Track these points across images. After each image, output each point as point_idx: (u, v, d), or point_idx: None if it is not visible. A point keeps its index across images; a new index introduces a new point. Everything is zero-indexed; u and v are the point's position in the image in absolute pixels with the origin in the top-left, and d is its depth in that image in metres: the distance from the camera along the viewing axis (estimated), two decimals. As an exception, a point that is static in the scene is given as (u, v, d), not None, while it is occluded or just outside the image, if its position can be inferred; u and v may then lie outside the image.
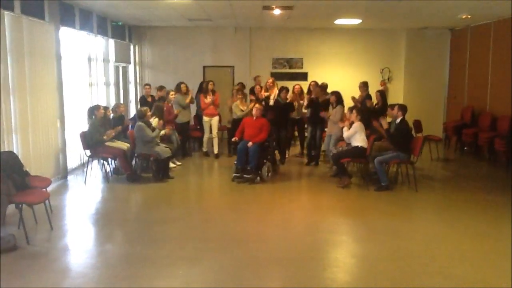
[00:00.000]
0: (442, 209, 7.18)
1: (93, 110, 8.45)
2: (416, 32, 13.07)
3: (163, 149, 8.34)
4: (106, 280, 4.55)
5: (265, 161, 8.47)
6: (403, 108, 8.01)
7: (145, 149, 8.27)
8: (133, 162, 8.81)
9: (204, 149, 10.61)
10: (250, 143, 8.30)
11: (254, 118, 8.66)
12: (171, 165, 9.21)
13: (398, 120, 7.96)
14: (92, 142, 8.21)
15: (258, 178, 8.27)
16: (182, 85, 10.41)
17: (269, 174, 8.49)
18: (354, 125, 8.06)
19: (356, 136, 8.01)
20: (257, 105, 8.85)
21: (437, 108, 13.40)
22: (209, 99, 10.35)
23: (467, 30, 12.09)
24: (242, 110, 9.86)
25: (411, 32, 13.14)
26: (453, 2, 8.36)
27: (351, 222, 6.48)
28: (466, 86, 12.18)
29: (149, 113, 8.49)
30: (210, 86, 10.41)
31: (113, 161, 8.78)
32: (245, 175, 8.22)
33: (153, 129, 8.39)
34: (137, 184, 8.26)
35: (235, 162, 8.45)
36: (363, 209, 7.23)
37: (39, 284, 4.44)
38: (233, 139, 8.73)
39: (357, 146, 7.96)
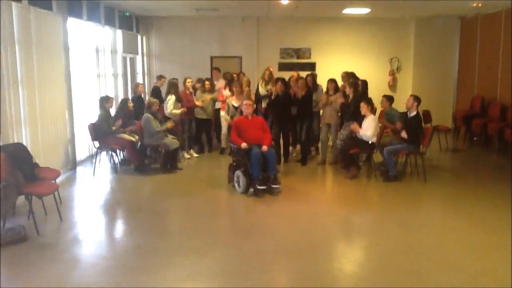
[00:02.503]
0: (452, 200, 7.12)
1: (103, 102, 8.49)
2: (425, 21, 12.92)
3: (171, 141, 8.35)
4: (115, 270, 4.59)
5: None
6: (418, 99, 7.86)
7: (152, 140, 8.30)
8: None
9: (222, 145, 10.06)
10: (265, 147, 7.10)
11: (249, 117, 7.52)
12: (186, 156, 9.37)
13: (412, 114, 7.86)
14: (100, 133, 8.25)
15: (279, 186, 7.15)
16: (206, 82, 9.92)
17: None
18: (368, 119, 7.90)
19: (372, 129, 7.87)
20: (246, 101, 7.65)
21: (447, 98, 13.26)
22: (226, 92, 9.76)
23: (477, 18, 11.92)
24: (234, 107, 9.01)
25: (420, 21, 12.99)
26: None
27: (359, 213, 6.45)
28: (476, 75, 12.04)
29: (156, 106, 8.47)
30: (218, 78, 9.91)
31: (121, 152, 8.85)
32: (273, 185, 7.02)
33: (161, 121, 8.40)
34: (146, 175, 8.30)
35: (245, 172, 7.02)
36: (371, 200, 7.21)
37: (49, 274, 4.48)
38: (242, 146, 7.07)
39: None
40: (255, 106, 8.51)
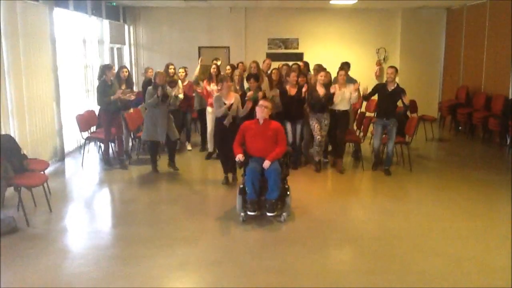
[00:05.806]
0: (437, 188, 7.26)
1: (104, 70, 7.81)
2: (412, 11, 13.01)
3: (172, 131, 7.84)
4: (105, 260, 4.64)
5: (286, 186, 5.83)
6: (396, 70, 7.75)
7: (148, 134, 7.84)
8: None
9: (209, 149, 8.80)
10: (266, 163, 5.61)
11: (261, 121, 5.96)
12: (188, 148, 9.46)
13: (394, 87, 7.60)
14: (100, 103, 7.92)
15: (285, 214, 5.66)
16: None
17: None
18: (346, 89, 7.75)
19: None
20: (263, 102, 5.99)
21: (433, 88, 13.44)
22: (212, 86, 8.59)
23: (463, 9, 12.05)
24: (225, 104, 6.90)
25: (407, 11, 13.08)
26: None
27: (345, 202, 6.55)
28: (461, 65, 12.19)
29: (161, 77, 7.59)
30: (212, 71, 8.71)
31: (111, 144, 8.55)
32: (269, 213, 5.55)
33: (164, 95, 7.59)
34: (135, 165, 8.31)
35: (242, 191, 5.63)
36: (357, 189, 7.32)
37: (40, 264, 4.52)
38: (237, 158, 5.75)
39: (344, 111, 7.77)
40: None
